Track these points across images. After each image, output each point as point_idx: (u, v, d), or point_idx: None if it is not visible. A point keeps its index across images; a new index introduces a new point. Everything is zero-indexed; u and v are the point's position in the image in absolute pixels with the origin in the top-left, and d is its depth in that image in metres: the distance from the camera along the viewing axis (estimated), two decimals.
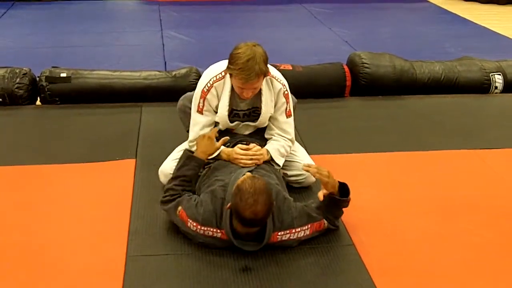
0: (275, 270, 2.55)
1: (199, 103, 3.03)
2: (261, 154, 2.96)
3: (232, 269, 2.55)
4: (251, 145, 3.00)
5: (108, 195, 3.14)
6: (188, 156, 2.87)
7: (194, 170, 2.85)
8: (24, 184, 3.25)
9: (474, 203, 3.17)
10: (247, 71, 2.77)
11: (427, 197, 3.22)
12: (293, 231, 2.65)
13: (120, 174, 3.36)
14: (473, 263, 2.68)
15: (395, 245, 2.78)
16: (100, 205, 3.04)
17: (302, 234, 2.68)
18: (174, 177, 2.84)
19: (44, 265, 2.57)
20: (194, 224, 2.61)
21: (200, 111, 3.04)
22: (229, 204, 2.53)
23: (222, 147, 2.99)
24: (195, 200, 2.68)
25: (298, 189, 3.17)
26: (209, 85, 3.01)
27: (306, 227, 2.69)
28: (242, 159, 2.91)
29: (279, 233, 2.62)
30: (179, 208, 2.68)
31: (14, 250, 2.66)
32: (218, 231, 2.59)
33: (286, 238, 2.64)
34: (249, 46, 2.83)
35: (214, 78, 3.01)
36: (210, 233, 2.60)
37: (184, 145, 3.18)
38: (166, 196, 2.79)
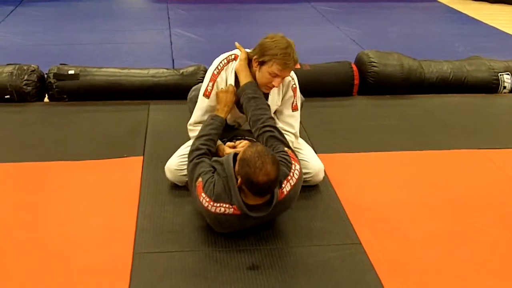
0: (282, 269, 2.55)
1: (207, 86, 3.06)
2: None
3: (239, 267, 2.55)
4: (237, 142, 3.04)
5: (116, 192, 3.14)
6: (211, 116, 2.97)
7: (217, 130, 2.94)
8: (32, 181, 3.26)
9: (482, 203, 3.15)
10: (287, 57, 2.82)
11: (435, 196, 3.21)
12: (289, 177, 2.67)
13: (127, 171, 3.36)
14: (481, 262, 2.66)
15: (403, 244, 2.77)
16: (107, 202, 3.05)
17: (297, 174, 2.70)
18: (199, 137, 2.91)
19: (51, 261, 2.58)
20: (207, 200, 2.61)
21: (207, 95, 3.06)
22: (239, 181, 2.53)
23: (218, 143, 3.02)
24: (212, 178, 2.66)
25: (304, 188, 3.11)
26: (219, 67, 3.04)
27: (292, 163, 2.72)
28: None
29: (282, 186, 2.64)
30: (199, 179, 2.68)
31: (21, 247, 2.67)
32: (230, 206, 2.59)
33: (289, 187, 2.66)
34: (281, 36, 2.90)
35: (225, 61, 3.04)
36: (223, 209, 2.59)
37: (191, 142, 3.20)
38: (192, 158, 2.81)
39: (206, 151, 2.84)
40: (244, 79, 2.98)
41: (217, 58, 3.11)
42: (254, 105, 2.94)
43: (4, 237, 2.73)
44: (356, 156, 3.64)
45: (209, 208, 2.61)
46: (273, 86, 2.94)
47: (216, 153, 3.01)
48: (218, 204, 2.60)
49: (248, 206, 2.58)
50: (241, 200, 2.57)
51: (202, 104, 3.09)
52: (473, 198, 3.20)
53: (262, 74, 2.92)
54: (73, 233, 2.78)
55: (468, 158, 3.67)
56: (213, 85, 3.04)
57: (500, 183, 3.38)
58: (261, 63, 2.89)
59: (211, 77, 3.05)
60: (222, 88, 3.03)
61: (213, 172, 2.71)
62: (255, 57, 2.91)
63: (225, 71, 3.04)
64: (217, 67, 3.05)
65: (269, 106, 3.01)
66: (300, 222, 2.88)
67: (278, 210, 2.69)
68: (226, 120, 3.14)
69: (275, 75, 2.88)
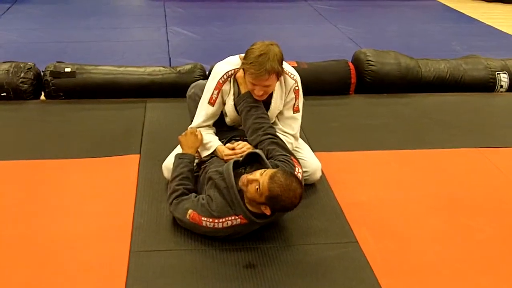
0: (278, 267, 2.55)
1: (212, 94, 3.04)
2: (248, 148, 2.96)
3: (236, 265, 2.55)
4: (236, 143, 3.01)
5: (112, 190, 3.13)
6: (178, 155, 2.92)
7: (187, 167, 2.89)
8: (27, 179, 3.25)
9: (479, 202, 3.16)
10: (257, 66, 2.77)
11: (432, 195, 3.21)
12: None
13: (124, 169, 3.35)
14: (477, 260, 2.67)
15: (399, 242, 2.77)
16: (103, 200, 3.04)
17: (299, 177, 2.71)
18: (172, 179, 2.86)
19: (47, 259, 2.57)
20: (210, 220, 2.61)
21: (212, 103, 3.05)
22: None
23: (217, 145, 3.01)
24: (203, 199, 2.68)
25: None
26: (225, 76, 3.02)
27: (296, 166, 2.76)
28: (232, 158, 2.91)
29: None
30: (189, 211, 2.67)
31: (17, 245, 2.66)
32: (236, 217, 2.59)
33: None
34: (265, 43, 2.85)
35: (232, 71, 3.02)
36: (230, 223, 2.60)
37: None
38: (171, 201, 2.79)
39: (183, 191, 2.79)
40: (245, 88, 3.00)
41: (218, 68, 3.08)
42: (255, 114, 2.95)
43: None
44: (353, 155, 3.64)
45: (216, 226, 2.61)
46: (257, 96, 2.93)
47: (213, 154, 3.01)
48: (224, 219, 2.60)
49: (252, 213, 2.58)
50: (247, 209, 2.57)
51: (206, 110, 3.07)
52: (470, 197, 3.20)
53: (247, 82, 2.93)
54: (69, 231, 2.77)
55: (465, 156, 3.67)
56: (218, 93, 3.03)
57: (497, 181, 3.39)
58: (244, 71, 2.91)
59: (216, 85, 3.03)
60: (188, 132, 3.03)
61: (196, 196, 2.74)
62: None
63: (229, 82, 3.03)
64: (222, 76, 3.02)
65: (268, 116, 3.01)
66: (297, 220, 2.87)
67: (281, 213, 2.70)
68: (225, 121, 3.15)
69: (253, 84, 2.88)
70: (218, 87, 3.02)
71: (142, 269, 2.51)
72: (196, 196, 2.75)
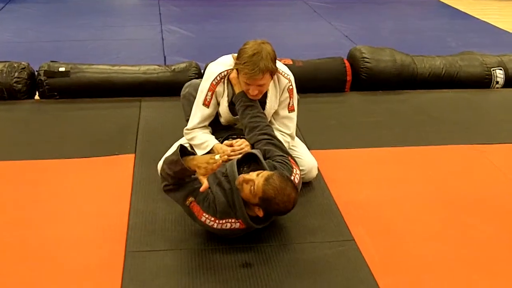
0: (275, 266, 2.54)
1: (206, 96, 3.03)
2: (246, 145, 2.94)
3: (232, 265, 2.53)
4: (234, 141, 2.99)
5: (107, 190, 3.12)
6: (179, 162, 2.54)
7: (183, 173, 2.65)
8: (22, 179, 3.23)
9: (475, 198, 3.15)
10: (251, 66, 2.76)
11: (428, 192, 3.20)
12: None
13: (119, 169, 3.34)
14: (475, 259, 2.66)
15: (396, 241, 2.76)
16: (99, 200, 3.02)
17: (297, 179, 2.71)
18: (168, 175, 2.63)
19: (43, 260, 2.55)
20: (212, 219, 2.58)
21: (207, 104, 3.03)
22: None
23: (214, 143, 3.00)
24: (207, 195, 2.60)
25: None
26: (219, 78, 3.01)
27: (293, 167, 2.75)
28: (230, 155, 2.89)
29: None
30: (190, 198, 2.61)
31: (12, 246, 2.64)
32: (236, 221, 2.57)
33: None
34: (257, 42, 2.83)
35: (225, 72, 3.01)
36: (229, 225, 2.58)
37: (183, 141, 3.18)
38: (167, 185, 2.66)
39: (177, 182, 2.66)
40: (239, 88, 2.98)
41: (211, 69, 3.06)
42: (250, 113, 2.93)
43: None
44: (349, 152, 3.63)
45: (215, 226, 2.59)
46: (252, 96, 2.92)
47: (211, 152, 2.99)
48: (224, 221, 2.58)
49: (251, 218, 2.57)
50: (247, 215, 2.55)
51: (202, 112, 3.06)
52: (467, 194, 3.20)
53: (241, 82, 2.92)
54: (65, 231, 2.76)
55: (461, 153, 3.67)
56: (212, 94, 3.02)
57: (493, 178, 3.38)
58: (238, 72, 2.89)
59: (209, 87, 3.01)
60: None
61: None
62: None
63: (222, 84, 3.02)
64: (215, 78, 3.00)
65: (264, 114, 3.00)
66: (293, 219, 2.86)
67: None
68: (220, 121, 3.15)
69: (247, 84, 2.86)
70: (212, 89, 3.01)
71: (138, 269, 2.50)
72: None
